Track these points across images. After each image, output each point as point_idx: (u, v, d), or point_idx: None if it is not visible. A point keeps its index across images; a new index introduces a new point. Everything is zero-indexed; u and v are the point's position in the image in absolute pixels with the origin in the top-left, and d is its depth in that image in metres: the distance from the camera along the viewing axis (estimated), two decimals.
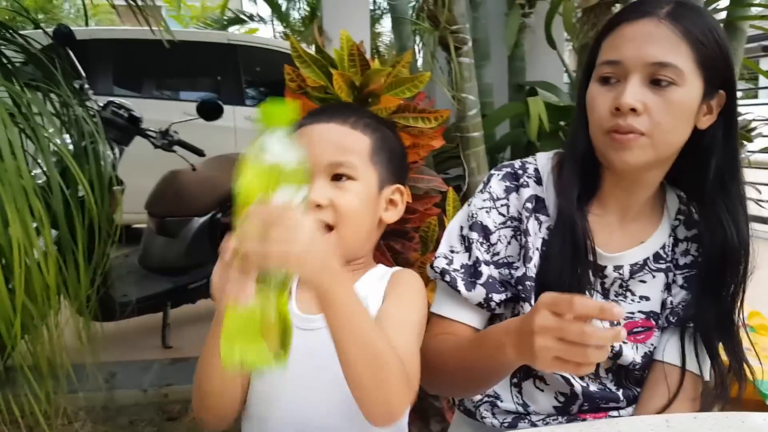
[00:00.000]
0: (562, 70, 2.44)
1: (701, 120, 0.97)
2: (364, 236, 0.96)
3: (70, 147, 2.05)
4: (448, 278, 1.04)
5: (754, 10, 2.09)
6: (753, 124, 1.98)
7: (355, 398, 0.75)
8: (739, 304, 1.03)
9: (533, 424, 1.07)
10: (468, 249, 1.06)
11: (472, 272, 1.04)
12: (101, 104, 2.71)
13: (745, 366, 1.02)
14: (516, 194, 1.06)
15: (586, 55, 1.05)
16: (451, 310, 1.05)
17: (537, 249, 1.03)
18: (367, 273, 0.99)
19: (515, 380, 1.06)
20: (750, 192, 2.02)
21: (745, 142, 1.94)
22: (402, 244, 1.55)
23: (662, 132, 0.93)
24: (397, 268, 1.02)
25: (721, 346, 1.03)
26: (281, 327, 0.69)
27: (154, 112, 4.04)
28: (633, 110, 0.91)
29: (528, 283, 1.01)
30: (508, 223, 1.06)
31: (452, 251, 1.07)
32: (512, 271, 1.04)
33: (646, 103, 0.92)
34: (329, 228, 0.91)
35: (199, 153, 3.03)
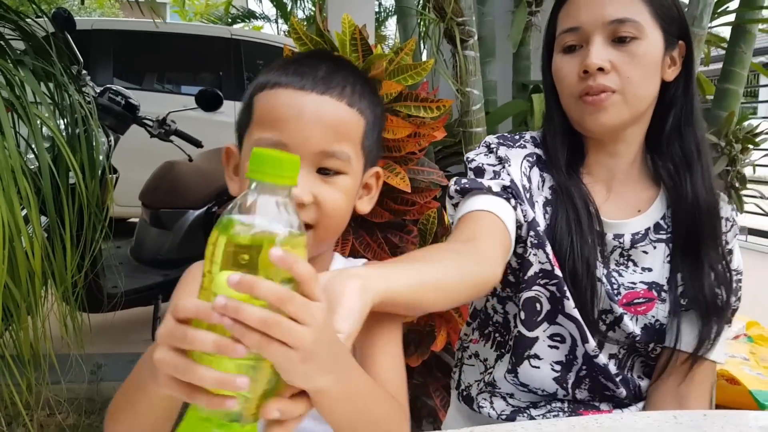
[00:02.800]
0: None
1: (667, 72, 1.00)
2: (339, 232, 0.85)
3: (64, 132, 2.01)
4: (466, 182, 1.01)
5: (765, 13, 2.06)
6: (759, 129, 1.93)
7: None
8: (720, 254, 1.00)
9: (532, 418, 1.03)
10: (478, 173, 1.03)
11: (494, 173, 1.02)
12: (98, 90, 2.66)
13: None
14: (513, 149, 1.06)
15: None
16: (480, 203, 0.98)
17: (538, 203, 1.02)
18: (331, 268, 0.88)
19: (509, 366, 1.03)
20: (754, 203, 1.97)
21: (750, 146, 1.89)
22: (400, 237, 1.50)
23: (632, 86, 0.95)
24: (362, 260, 0.92)
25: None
26: None
27: (155, 104, 3.99)
28: (600, 70, 0.94)
29: (540, 229, 0.99)
30: (501, 164, 1.04)
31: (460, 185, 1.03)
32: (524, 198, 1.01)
33: (613, 61, 0.95)
34: (308, 227, 0.76)
35: (197, 143, 2.97)
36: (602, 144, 1.02)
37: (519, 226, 1.00)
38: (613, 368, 1.01)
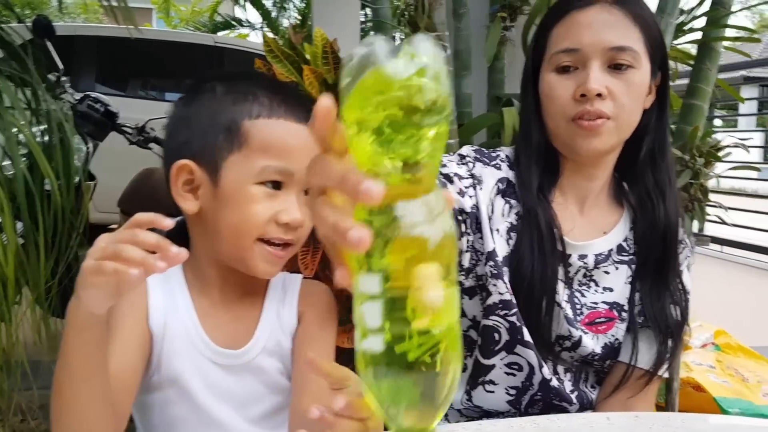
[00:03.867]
0: None
1: (646, 100, 1.00)
2: None
3: (39, 139, 2.02)
4: None
5: (729, 32, 2.12)
6: (723, 144, 1.99)
7: None
8: (678, 275, 1.04)
9: None
10: (446, 180, 1.00)
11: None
12: (78, 97, 2.68)
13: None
14: (488, 168, 1.04)
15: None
16: None
17: (498, 231, 1.01)
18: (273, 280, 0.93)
19: (467, 388, 1.05)
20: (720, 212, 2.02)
21: (713, 161, 1.95)
22: None
23: (626, 114, 0.96)
24: (299, 276, 0.96)
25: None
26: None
27: (139, 111, 3.99)
28: (599, 95, 0.93)
29: (498, 260, 0.99)
30: (472, 181, 1.02)
31: None
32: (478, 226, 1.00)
33: (609, 87, 0.94)
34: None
35: None
36: (580, 166, 1.02)
37: (459, 252, 0.99)
38: (568, 385, 1.04)
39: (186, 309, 0.86)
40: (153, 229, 0.63)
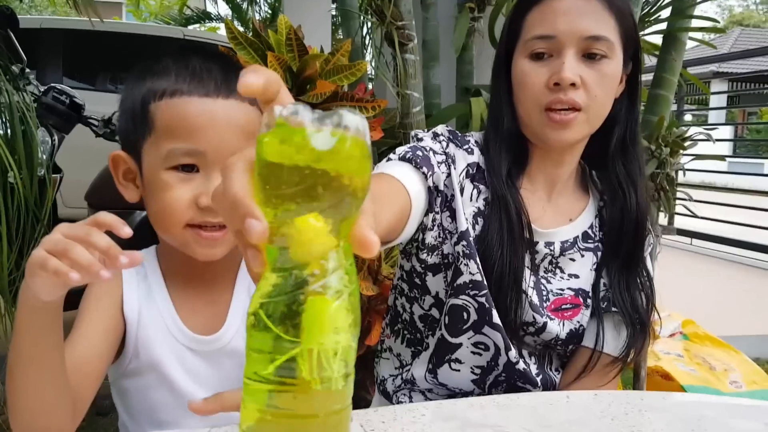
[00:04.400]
0: None
1: (617, 89, 0.99)
2: None
3: (1, 131, 1.99)
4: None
5: (696, 24, 2.15)
6: (688, 134, 2.02)
7: None
8: (641, 265, 1.05)
9: None
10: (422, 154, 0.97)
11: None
12: (42, 89, 2.63)
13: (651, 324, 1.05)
14: (460, 150, 1.02)
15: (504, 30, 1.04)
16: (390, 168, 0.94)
17: (466, 215, 1.00)
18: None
19: (430, 366, 1.05)
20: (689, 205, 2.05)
21: (679, 150, 1.98)
22: None
23: (597, 105, 0.95)
24: None
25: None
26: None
27: (108, 105, 3.93)
28: (572, 85, 0.92)
29: (471, 240, 0.98)
30: (445, 158, 1.00)
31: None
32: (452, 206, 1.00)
33: (583, 77, 0.93)
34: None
35: None
36: (548, 153, 1.02)
37: (423, 229, 0.99)
38: (533, 368, 1.04)
39: (161, 297, 0.85)
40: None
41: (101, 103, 3.25)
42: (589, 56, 0.93)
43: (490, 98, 1.08)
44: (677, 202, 2.10)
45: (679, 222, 4.92)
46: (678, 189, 2.08)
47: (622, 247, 1.03)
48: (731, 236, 5.05)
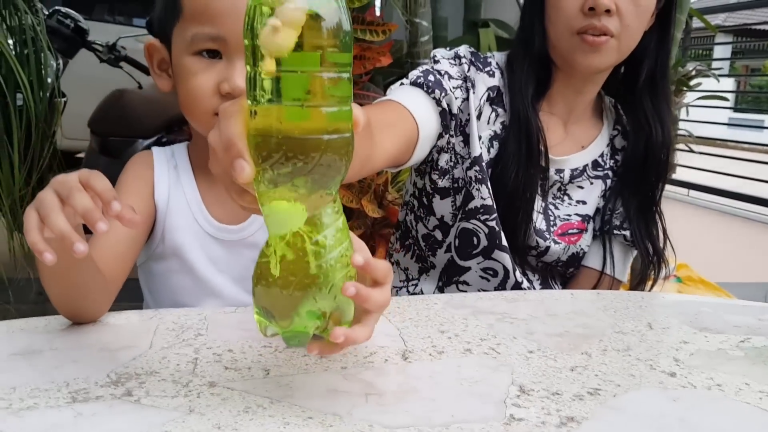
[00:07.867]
0: (517, 9, 2.45)
1: (648, 22, 0.99)
2: None
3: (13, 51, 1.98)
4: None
5: None
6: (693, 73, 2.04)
7: None
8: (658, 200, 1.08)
9: None
10: (438, 77, 0.99)
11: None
12: (47, 12, 2.60)
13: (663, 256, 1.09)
14: (481, 73, 1.03)
15: None
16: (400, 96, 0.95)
17: (480, 138, 1.01)
18: None
19: (440, 284, 1.09)
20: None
21: (684, 89, 2.00)
22: None
23: (628, 34, 0.95)
24: None
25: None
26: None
27: (105, 35, 3.90)
28: (607, 11, 0.92)
29: (484, 165, 1.00)
30: (464, 83, 1.01)
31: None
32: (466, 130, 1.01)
33: (618, 4, 0.93)
34: None
35: (147, 70, 2.94)
36: (571, 80, 1.02)
37: (439, 150, 1.01)
38: (537, 286, 1.08)
39: (189, 186, 0.88)
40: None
41: (98, 33, 3.21)
42: None
43: (520, 18, 1.07)
44: (678, 138, 2.13)
45: (678, 174, 4.92)
46: (680, 127, 2.11)
47: (645, 182, 1.06)
48: (729, 189, 5.06)
